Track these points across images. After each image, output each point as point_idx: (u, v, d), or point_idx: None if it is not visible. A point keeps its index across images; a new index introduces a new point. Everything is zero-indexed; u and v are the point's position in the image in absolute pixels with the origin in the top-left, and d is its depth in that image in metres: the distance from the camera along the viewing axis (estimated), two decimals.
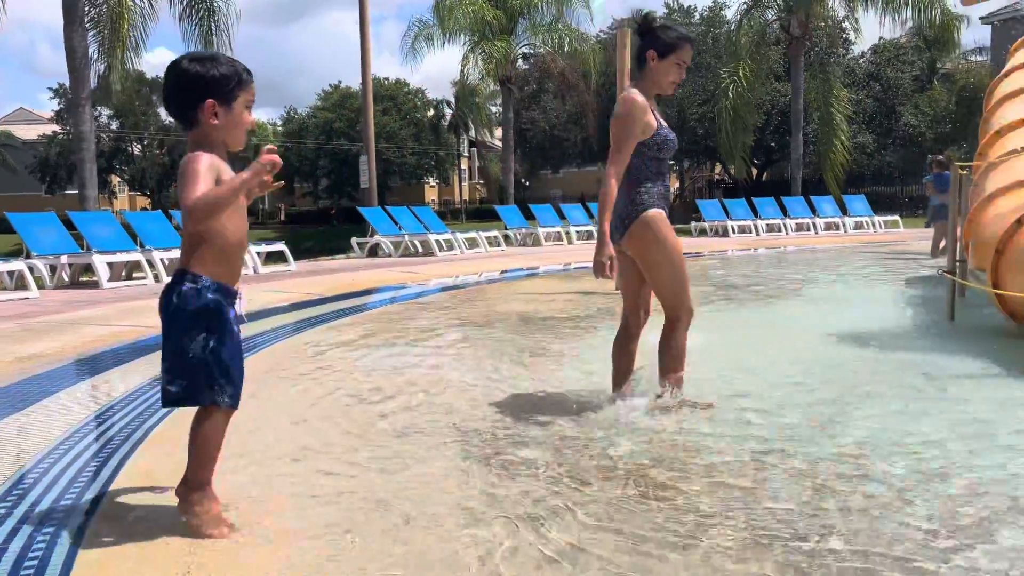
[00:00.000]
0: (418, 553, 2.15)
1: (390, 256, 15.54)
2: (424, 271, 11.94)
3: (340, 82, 56.16)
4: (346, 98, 53.65)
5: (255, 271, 11.76)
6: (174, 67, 2.25)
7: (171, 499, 2.38)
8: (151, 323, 6.78)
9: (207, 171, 2.16)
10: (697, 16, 38.35)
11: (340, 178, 52.83)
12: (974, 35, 53.93)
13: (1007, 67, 7.64)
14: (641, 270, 3.53)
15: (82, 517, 2.44)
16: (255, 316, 6.97)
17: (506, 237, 18.37)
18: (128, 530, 2.32)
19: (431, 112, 57.48)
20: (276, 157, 2.16)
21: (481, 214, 46.04)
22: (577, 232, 18.84)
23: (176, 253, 11.48)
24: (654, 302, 3.66)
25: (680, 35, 3.45)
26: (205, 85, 2.21)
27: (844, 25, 31.97)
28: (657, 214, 3.42)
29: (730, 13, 34.58)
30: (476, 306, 7.86)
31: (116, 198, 57.26)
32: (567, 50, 26.52)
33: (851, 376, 4.18)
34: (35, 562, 2.13)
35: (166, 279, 10.70)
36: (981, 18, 33.47)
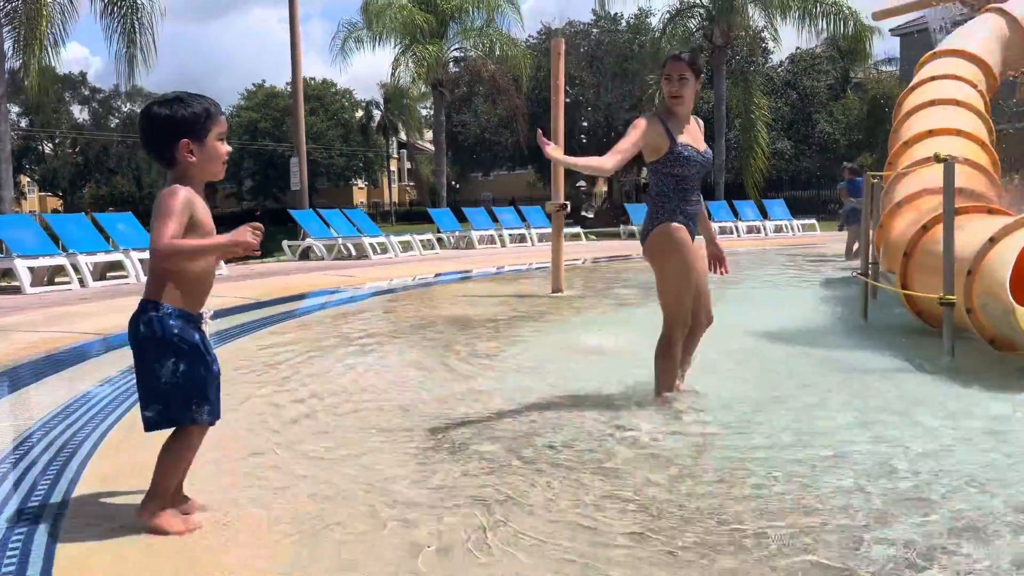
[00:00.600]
0: (379, 541, 2.30)
1: (322, 259, 15.45)
2: (360, 274, 11.95)
3: (264, 81, 55.15)
4: (271, 97, 52.69)
5: None
6: (145, 114, 2.38)
7: (138, 501, 2.47)
8: (83, 328, 6.67)
9: (182, 209, 2.28)
10: (624, 24, 39.16)
11: (265, 179, 51.84)
12: (884, 46, 56.65)
13: (914, 80, 8.17)
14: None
15: (53, 517, 2.50)
16: None
17: (439, 240, 18.47)
18: (103, 528, 2.39)
19: (360, 113, 56.99)
20: (256, 240, 2.31)
21: (411, 216, 45.95)
22: (510, 235, 19.07)
23: (101, 257, 11.22)
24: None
25: (668, 56, 3.83)
26: (176, 126, 2.33)
27: (763, 35, 33.16)
28: (670, 227, 3.71)
29: (655, 21, 35.45)
30: (414, 309, 7.97)
31: (25, 199, 54.82)
32: (498, 54, 26.75)
33: (772, 371, 4.48)
34: (16, 554, 2.19)
35: (92, 283, 10.46)
36: (891, 30, 35.19)
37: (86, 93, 56.42)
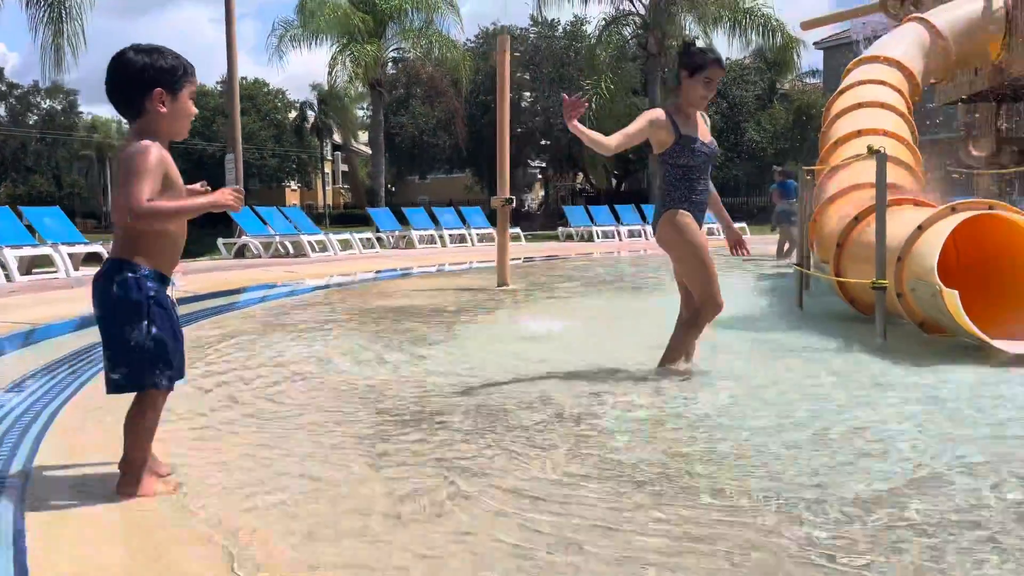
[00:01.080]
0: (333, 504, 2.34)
1: (260, 257, 15.19)
2: (301, 270, 11.82)
3: None
4: (200, 96, 51.22)
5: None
6: (120, 57, 2.29)
7: (101, 471, 2.48)
8: (14, 319, 6.44)
9: (156, 167, 2.21)
10: (560, 30, 39.62)
11: (193, 179, 50.34)
12: (809, 59, 58.71)
13: (842, 85, 8.56)
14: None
15: (18, 488, 2.45)
16: None
17: (379, 239, 18.36)
18: (67, 497, 2.35)
19: (293, 114, 56.04)
20: (238, 203, 2.34)
21: (346, 219, 45.33)
22: (450, 235, 19.09)
23: (28, 251, 10.80)
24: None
25: (710, 57, 3.89)
26: (154, 74, 2.26)
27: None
28: (677, 214, 3.89)
29: (591, 28, 36.00)
30: (362, 301, 7.94)
31: None
32: (436, 56, 26.76)
33: (714, 352, 4.66)
34: None
35: (18, 278, 10.04)
36: (815, 43, 36.64)
37: (3, 88, 54.10)
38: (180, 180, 2.36)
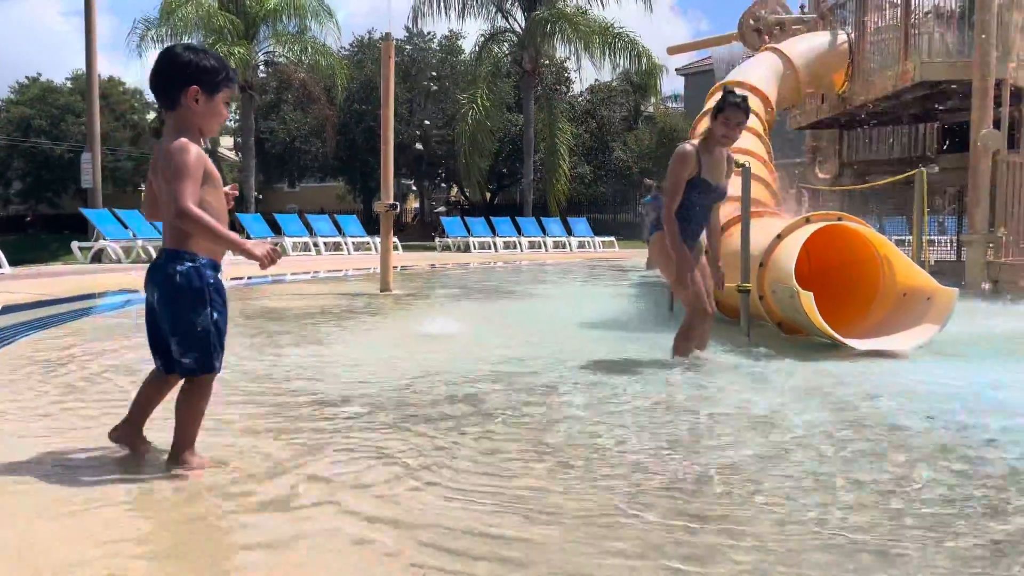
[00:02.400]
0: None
1: (119, 262, 14.40)
2: None
3: (40, 75, 50.10)
4: (47, 92, 47.89)
5: None
6: (168, 51, 2.43)
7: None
8: None
9: (197, 166, 2.34)
10: (436, 44, 39.85)
11: (39, 181, 46.87)
12: (672, 84, 61.95)
13: (706, 107, 9.18)
14: None
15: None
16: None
17: None
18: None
19: (152, 115, 53.25)
20: (270, 263, 2.41)
21: None
22: (325, 243, 18.76)
23: None
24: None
25: (730, 100, 4.20)
26: (195, 71, 2.38)
27: (567, 65, 35.14)
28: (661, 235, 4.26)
29: (467, 43, 36.45)
30: (242, 304, 7.75)
31: None
32: (310, 62, 26.31)
33: (601, 351, 4.93)
34: None
35: None
36: (677, 69, 38.67)
37: None
38: (217, 173, 2.46)
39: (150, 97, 53.08)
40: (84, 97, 17.43)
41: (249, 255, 2.36)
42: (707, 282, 4.42)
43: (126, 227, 15.14)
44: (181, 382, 2.47)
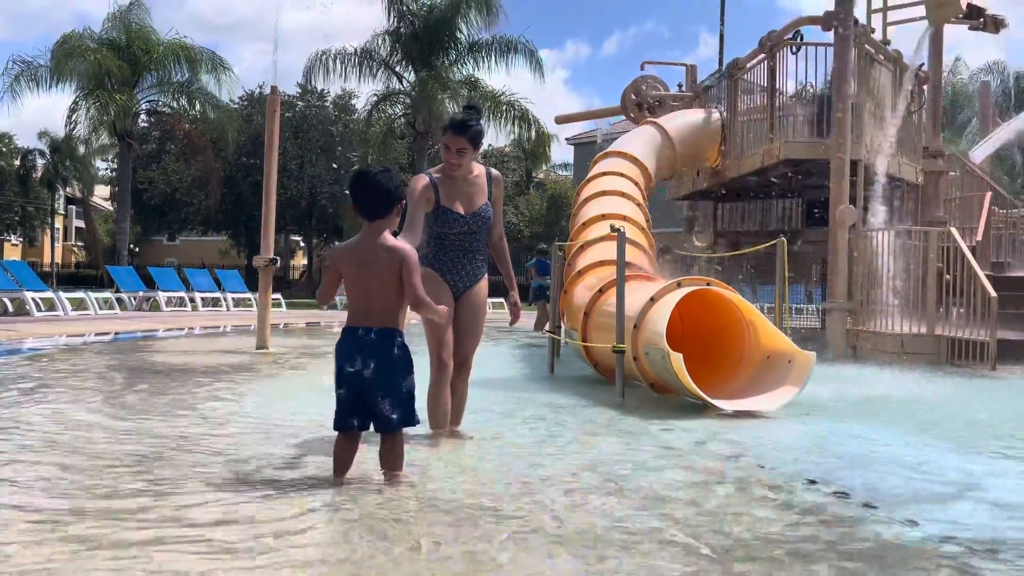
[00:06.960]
0: None
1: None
2: (25, 329, 10.52)
3: None
4: None
5: None
6: (374, 178, 3.02)
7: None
8: None
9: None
10: (329, 102, 39.76)
11: None
12: (561, 153, 64.05)
13: (590, 174, 9.49)
14: None
15: None
16: None
17: (119, 300, 16.85)
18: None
19: (18, 161, 50.29)
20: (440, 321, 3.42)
21: (78, 280, 40.85)
22: (203, 298, 18.00)
23: None
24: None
25: (451, 122, 3.77)
26: (398, 192, 3.08)
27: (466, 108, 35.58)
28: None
29: (360, 103, 36.54)
30: (106, 360, 7.27)
31: None
32: (197, 114, 25.65)
33: (483, 407, 4.88)
34: None
35: None
36: (567, 139, 40.03)
37: None
38: None
39: (20, 142, 50.50)
40: None
41: (438, 317, 3.21)
42: (461, 323, 3.94)
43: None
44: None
